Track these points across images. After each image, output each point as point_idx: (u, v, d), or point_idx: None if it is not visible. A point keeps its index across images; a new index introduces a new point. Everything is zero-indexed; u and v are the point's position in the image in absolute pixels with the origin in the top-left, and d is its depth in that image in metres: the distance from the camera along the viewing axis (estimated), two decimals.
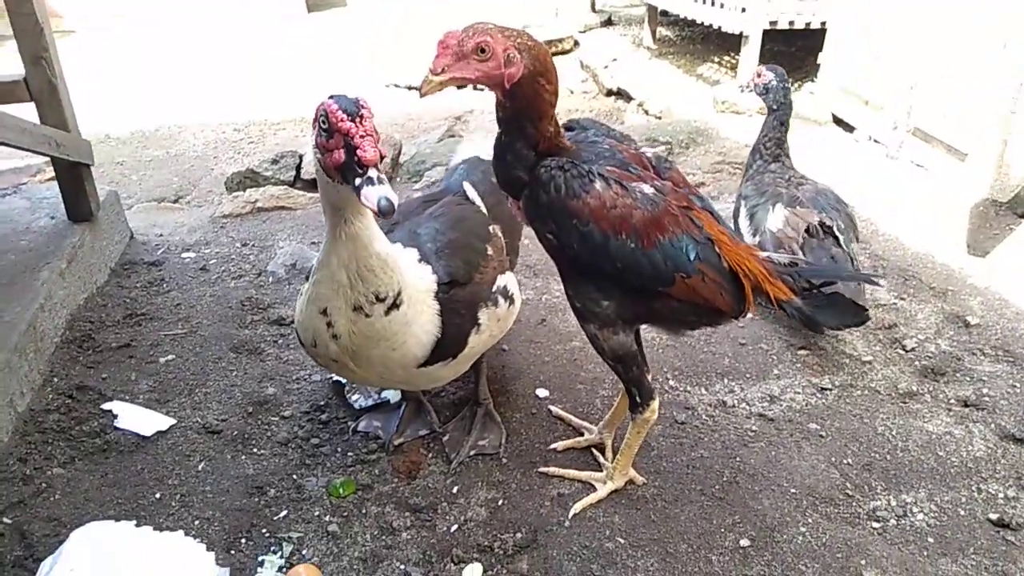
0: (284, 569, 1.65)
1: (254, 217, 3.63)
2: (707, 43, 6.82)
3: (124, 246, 3.22)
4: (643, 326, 1.78)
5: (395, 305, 1.58)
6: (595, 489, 1.84)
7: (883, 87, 3.98)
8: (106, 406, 2.15)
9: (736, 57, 5.41)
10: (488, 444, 2.01)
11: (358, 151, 1.30)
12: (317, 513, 1.82)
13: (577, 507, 1.79)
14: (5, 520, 1.75)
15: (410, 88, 7.06)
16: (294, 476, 1.93)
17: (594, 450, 1.98)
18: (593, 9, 8.41)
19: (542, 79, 1.43)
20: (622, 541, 1.69)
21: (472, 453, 1.98)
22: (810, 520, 1.76)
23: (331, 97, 1.37)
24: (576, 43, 7.70)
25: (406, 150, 4.25)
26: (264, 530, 1.77)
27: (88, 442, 2.02)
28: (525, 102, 1.44)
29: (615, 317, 1.60)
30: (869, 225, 3.29)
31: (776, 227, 2.59)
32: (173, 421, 2.11)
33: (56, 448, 2.00)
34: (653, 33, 6.71)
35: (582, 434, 2.04)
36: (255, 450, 2.03)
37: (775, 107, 2.80)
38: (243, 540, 1.73)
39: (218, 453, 2.00)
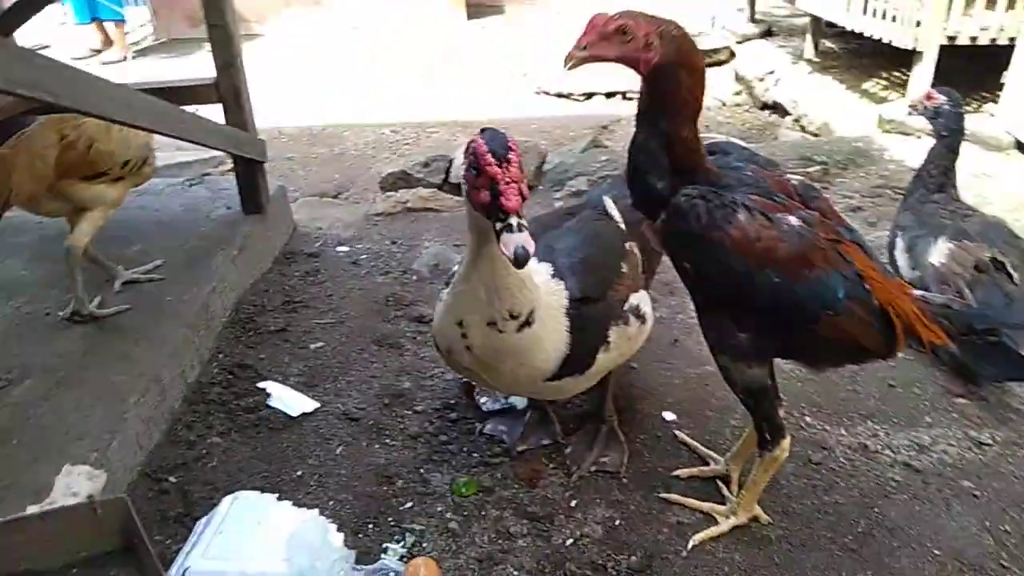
0: (405, 559, 1.74)
1: (404, 216, 3.82)
2: (875, 57, 6.41)
3: (288, 236, 3.48)
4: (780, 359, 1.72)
5: (528, 323, 1.61)
6: (717, 522, 1.79)
7: None
8: (261, 384, 2.35)
9: (907, 73, 5.04)
10: (610, 462, 2.01)
11: (501, 198, 1.33)
12: (440, 509, 1.89)
13: (697, 538, 1.75)
14: (171, 479, 1.96)
15: (560, 96, 7.14)
16: (421, 470, 2.02)
17: (719, 481, 1.93)
18: (752, 19, 8.12)
19: (682, 71, 1.41)
20: None
21: (593, 469, 1.99)
22: None
23: (483, 133, 1.41)
24: (732, 54, 7.47)
25: (550, 159, 4.30)
26: (390, 519, 1.86)
27: (243, 416, 2.22)
28: (661, 93, 1.43)
29: (751, 350, 1.55)
30: None
31: (939, 262, 2.41)
32: (317, 405, 2.27)
33: (216, 419, 2.20)
34: (816, 45, 6.38)
35: (707, 463, 1.99)
36: (388, 440, 2.14)
37: (945, 133, 2.59)
38: (370, 526, 1.84)
39: (355, 440, 2.13)
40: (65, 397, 1.94)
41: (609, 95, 7.05)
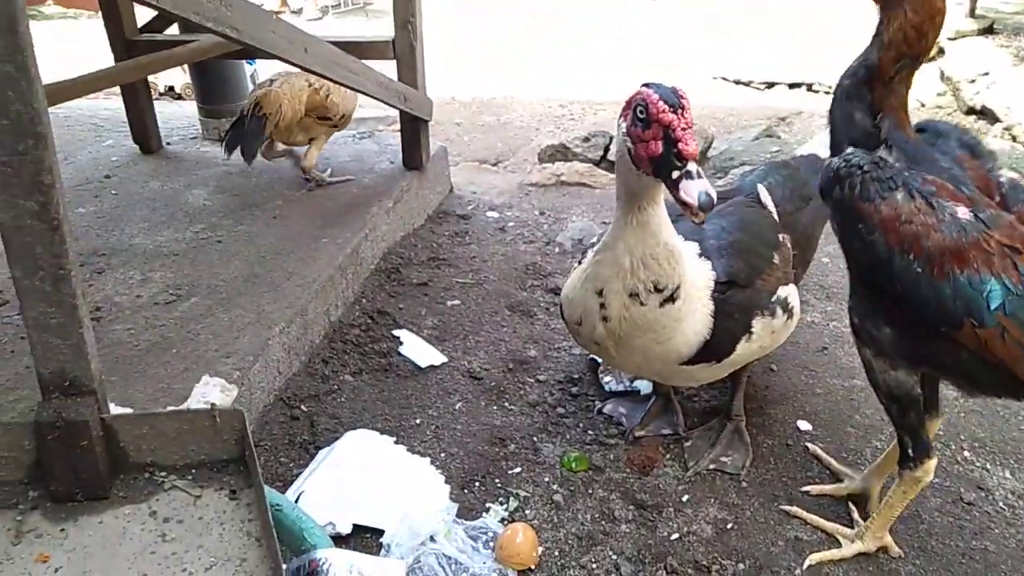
0: (506, 521, 1.74)
1: (557, 189, 3.80)
2: None
3: (443, 196, 3.58)
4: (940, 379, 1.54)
5: (671, 298, 1.54)
6: (840, 545, 1.64)
7: None
8: (396, 332, 2.44)
9: None
10: (731, 463, 1.90)
11: (679, 144, 1.28)
12: (547, 479, 1.88)
13: (814, 558, 1.62)
14: (303, 408, 2.08)
15: (738, 82, 6.81)
16: (534, 438, 2.01)
17: (851, 503, 1.77)
18: (971, 13, 7.29)
19: (912, 11, 1.31)
20: None
21: (711, 467, 1.89)
22: None
23: (648, 86, 1.36)
24: (941, 51, 6.76)
25: (717, 145, 4.12)
26: (497, 480, 1.87)
27: (375, 360, 2.31)
28: (887, 18, 1.34)
29: (893, 348, 1.42)
30: None
31: None
32: (445, 359, 2.32)
33: (351, 358, 2.31)
34: None
35: (841, 480, 1.83)
36: (506, 404, 2.15)
37: None
38: (477, 483, 1.86)
39: (475, 398, 2.16)
40: (221, 317, 2.10)
41: (792, 86, 6.64)
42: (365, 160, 3.37)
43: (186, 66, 4.59)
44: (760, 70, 6.74)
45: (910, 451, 1.49)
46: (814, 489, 1.82)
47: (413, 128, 3.18)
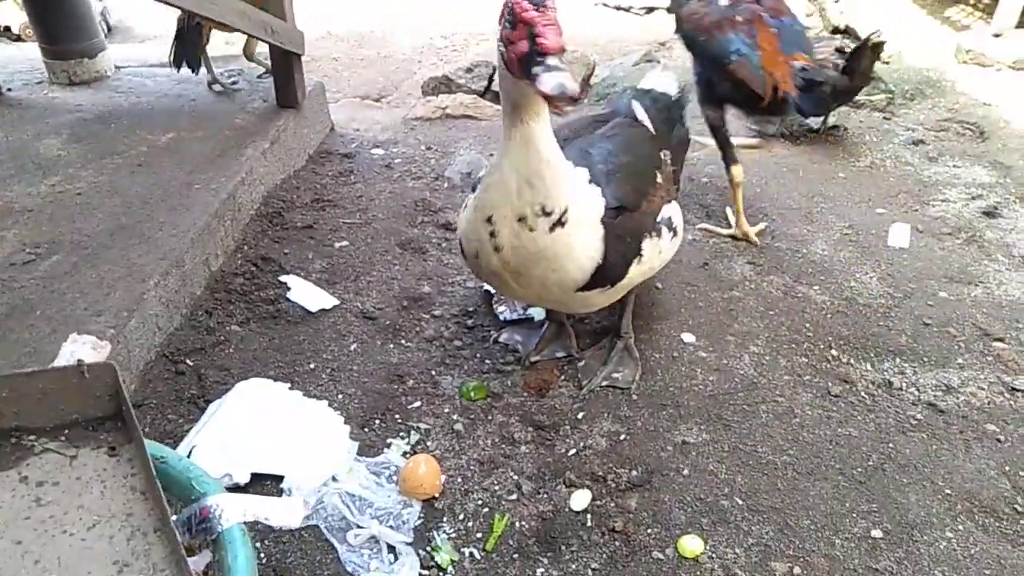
0: (407, 455, 1.76)
1: (442, 123, 3.74)
2: None
3: (324, 136, 3.44)
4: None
5: (560, 223, 1.54)
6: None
7: None
8: (283, 278, 2.36)
9: None
10: (622, 378, 1.98)
11: (539, 39, 1.27)
12: (447, 410, 1.90)
13: (702, 226, 2.66)
14: (188, 362, 2.00)
15: (619, 8, 6.82)
16: (432, 372, 2.03)
17: (729, 213, 2.72)
18: None
19: None
20: (740, 502, 1.61)
21: (604, 384, 1.97)
22: (961, 527, 1.58)
23: None
24: None
25: (599, 72, 4.14)
26: (397, 416, 1.88)
27: (263, 307, 2.24)
28: None
29: (706, 96, 2.51)
30: None
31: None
32: (337, 302, 2.27)
33: (237, 308, 2.23)
34: None
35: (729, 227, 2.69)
36: (403, 341, 2.14)
37: None
38: (377, 421, 1.86)
39: (370, 338, 2.14)
40: (88, 274, 1.97)
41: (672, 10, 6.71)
42: (235, 99, 3.19)
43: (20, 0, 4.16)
44: None
45: (726, 160, 2.56)
46: (701, 226, 2.68)
47: (285, 63, 3.02)
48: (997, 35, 3.84)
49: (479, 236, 1.61)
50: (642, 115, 1.97)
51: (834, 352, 2.11)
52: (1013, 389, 1.99)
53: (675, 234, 1.83)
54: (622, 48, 5.67)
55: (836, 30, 5.92)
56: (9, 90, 3.23)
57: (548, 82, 1.22)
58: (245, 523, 1.00)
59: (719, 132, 2.51)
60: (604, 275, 1.66)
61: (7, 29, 5.98)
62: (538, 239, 1.55)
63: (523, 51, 1.29)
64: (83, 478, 0.99)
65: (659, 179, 1.81)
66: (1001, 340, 2.16)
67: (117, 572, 0.88)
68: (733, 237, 2.63)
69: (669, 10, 2.50)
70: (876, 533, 1.55)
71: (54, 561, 0.89)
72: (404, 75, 5.31)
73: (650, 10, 6.80)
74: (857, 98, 3.60)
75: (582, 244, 1.60)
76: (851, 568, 1.48)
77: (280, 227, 2.65)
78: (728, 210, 2.72)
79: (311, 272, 2.42)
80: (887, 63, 4.71)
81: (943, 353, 2.11)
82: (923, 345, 2.14)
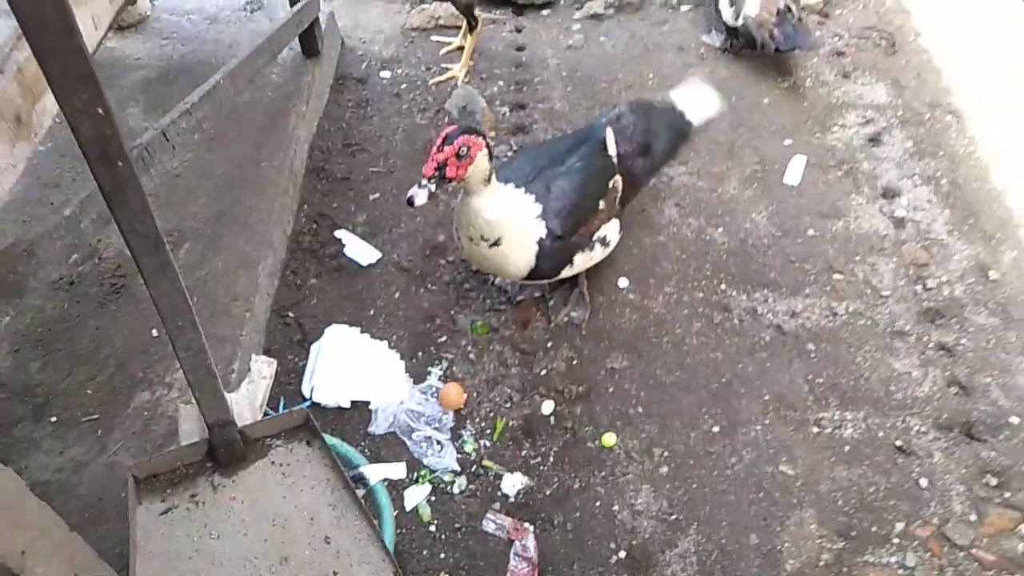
0: (442, 378, 2.83)
1: (436, 33, 4.30)
2: None
3: (338, 58, 4.07)
4: None
5: (496, 244, 2.45)
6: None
7: None
8: (337, 234, 3.27)
9: None
10: (576, 316, 2.99)
11: (425, 165, 2.18)
12: (463, 343, 2.94)
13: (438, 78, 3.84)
14: (290, 315, 3.00)
15: None
16: (451, 311, 3.04)
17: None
18: None
19: None
20: (640, 410, 2.73)
21: (564, 320, 2.99)
22: (767, 421, 2.71)
23: (453, 129, 2.19)
24: None
25: None
26: (432, 348, 2.92)
27: (329, 262, 3.18)
28: None
29: None
30: (969, 145, 3.58)
31: (754, 12, 3.72)
32: (379, 255, 3.20)
33: (311, 264, 3.17)
34: None
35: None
36: (429, 286, 3.12)
37: None
38: (420, 353, 2.91)
39: (407, 286, 3.11)
40: (215, 261, 2.89)
41: None
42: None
43: None
44: None
45: (470, 23, 3.68)
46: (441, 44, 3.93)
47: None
48: None
49: (456, 236, 2.57)
50: (611, 144, 2.74)
51: (723, 287, 3.11)
52: (834, 313, 3.02)
53: (606, 246, 2.74)
54: None
55: None
56: None
57: (410, 191, 2.14)
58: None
59: (471, 12, 3.65)
60: (538, 275, 2.60)
61: None
62: (482, 251, 2.49)
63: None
64: (300, 460, 2.07)
65: (601, 206, 2.67)
66: (840, 272, 3.14)
67: (331, 510, 1.99)
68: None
69: None
70: (715, 428, 2.68)
71: (299, 501, 1.99)
72: None
73: None
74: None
75: (516, 257, 2.51)
76: (697, 451, 2.63)
77: (325, 180, 3.48)
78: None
79: (356, 225, 3.32)
80: None
81: (797, 285, 3.11)
82: (785, 278, 3.13)
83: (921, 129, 3.68)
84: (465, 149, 2.18)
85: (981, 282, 3.09)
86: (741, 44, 3.92)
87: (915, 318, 2.99)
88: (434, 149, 2.17)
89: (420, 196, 2.16)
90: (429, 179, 2.18)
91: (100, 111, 1.09)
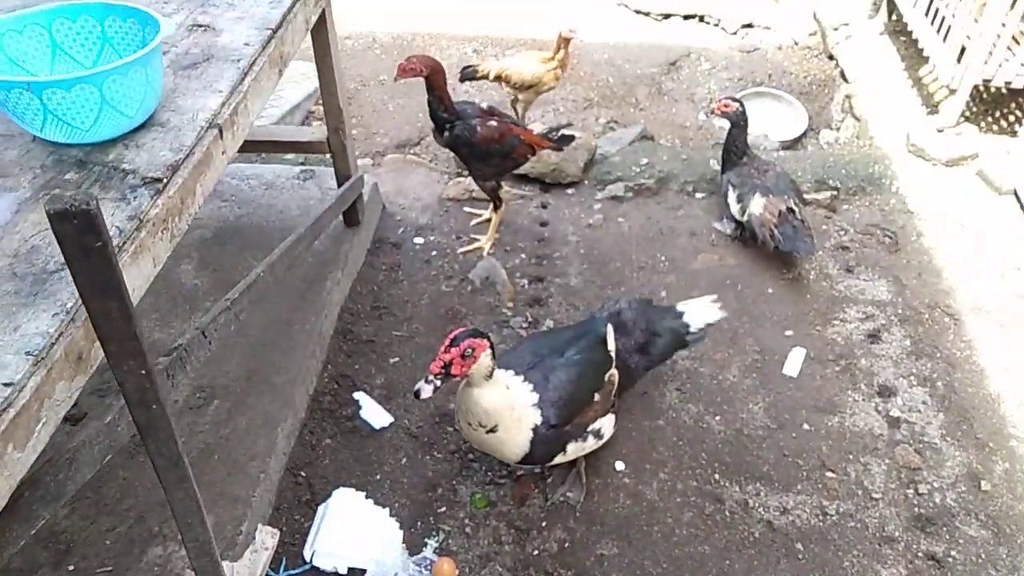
0: (437, 551, 2.95)
1: (469, 205, 4.69)
2: None
3: (376, 223, 4.45)
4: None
5: (492, 430, 2.64)
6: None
7: None
8: (355, 395, 3.50)
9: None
10: (572, 497, 3.12)
11: (433, 363, 2.41)
12: (461, 515, 3.07)
13: (462, 250, 4.20)
14: (303, 473, 3.19)
15: (638, 12, 7.34)
16: (454, 481, 3.19)
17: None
18: None
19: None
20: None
21: (560, 500, 3.11)
22: None
23: (461, 332, 2.42)
24: None
25: (600, 151, 4.96)
26: (431, 518, 3.06)
27: (345, 423, 3.40)
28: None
29: (491, 175, 3.97)
30: (966, 349, 3.72)
31: (758, 212, 4.03)
32: (392, 419, 3.41)
33: (328, 425, 3.39)
34: (890, 10, 6.29)
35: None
36: (435, 454, 3.29)
37: (740, 123, 4.17)
38: (419, 523, 3.04)
39: (414, 452, 3.30)
40: (240, 420, 3.13)
41: (687, 17, 7.23)
42: (311, 213, 4.18)
43: None
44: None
45: (495, 203, 4.09)
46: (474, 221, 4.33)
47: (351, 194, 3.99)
48: (940, 130, 4.58)
49: (456, 418, 2.75)
50: (610, 340, 2.96)
51: (717, 476, 3.22)
52: (825, 512, 3.09)
53: (600, 439, 2.91)
54: (636, 70, 6.33)
55: (832, 56, 6.48)
56: None
57: (417, 384, 2.35)
58: None
59: (495, 192, 4.10)
60: (531, 460, 2.77)
61: None
62: (480, 436, 2.67)
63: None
64: None
65: (597, 398, 2.86)
66: (833, 470, 3.24)
67: None
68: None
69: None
70: None
71: None
72: None
73: (667, 16, 7.27)
74: (806, 195, 4.46)
75: (511, 443, 2.68)
76: None
77: (351, 341, 3.76)
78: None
79: (374, 388, 3.55)
80: (857, 138, 5.41)
81: (790, 480, 3.20)
82: (778, 472, 3.23)
83: (920, 328, 3.84)
84: (471, 351, 2.42)
85: (972, 492, 3.14)
86: (749, 234, 4.19)
87: (905, 523, 3.04)
88: (442, 349, 2.41)
89: (426, 391, 2.38)
90: (435, 375, 2.41)
91: (143, 372, 1.34)
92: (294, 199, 4.29)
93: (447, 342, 2.42)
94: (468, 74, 5.00)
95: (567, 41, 4.59)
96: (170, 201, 1.81)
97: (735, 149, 4.24)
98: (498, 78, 4.84)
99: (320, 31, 3.28)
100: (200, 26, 2.43)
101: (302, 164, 4.68)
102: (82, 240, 1.10)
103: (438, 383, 2.41)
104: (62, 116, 1.79)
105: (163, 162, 1.86)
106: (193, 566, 1.90)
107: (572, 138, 4.14)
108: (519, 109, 5.05)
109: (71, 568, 2.65)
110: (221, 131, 2.03)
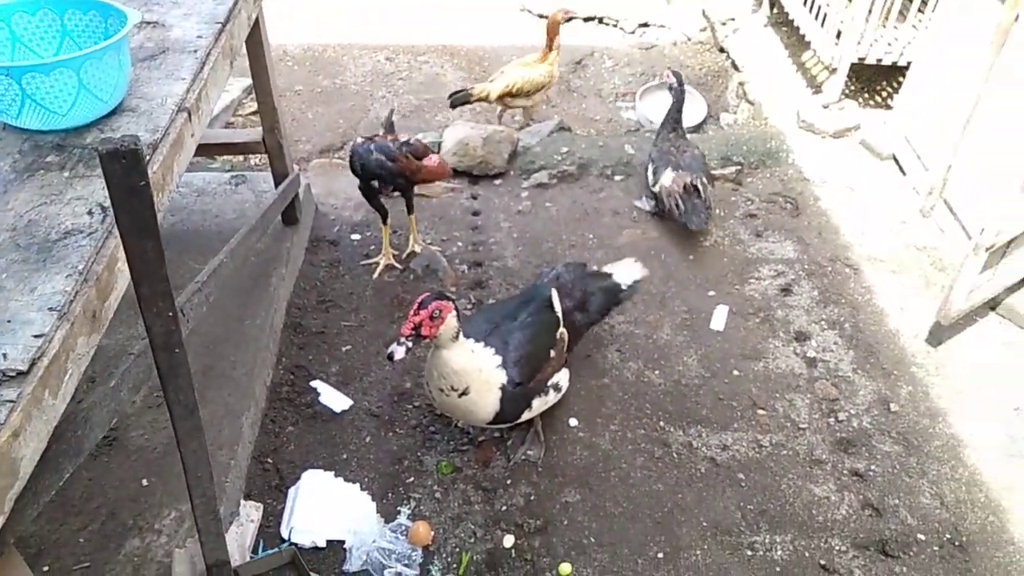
0: (411, 517, 3.08)
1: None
2: None
3: (311, 222, 4.53)
4: None
5: (464, 393, 2.82)
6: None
7: (933, 149, 4.54)
8: (312, 384, 3.58)
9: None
10: (533, 455, 3.31)
11: (403, 326, 2.57)
12: (429, 483, 3.21)
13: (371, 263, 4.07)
14: (269, 460, 3.25)
15: (541, 16, 7.67)
16: (418, 453, 3.33)
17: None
18: None
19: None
20: (592, 540, 3.01)
21: (522, 458, 3.30)
22: (706, 545, 3.02)
23: (428, 296, 2.58)
24: None
25: (521, 144, 5.21)
26: (400, 489, 3.19)
27: (305, 410, 3.48)
28: None
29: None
30: (866, 294, 4.16)
31: (667, 184, 4.34)
32: (351, 402, 3.51)
33: (288, 413, 3.46)
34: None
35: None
36: (397, 430, 3.42)
37: (678, 94, 4.54)
38: (390, 494, 3.16)
39: (377, 431, 3.41)
40: (205, 412, 3.15)
41: (587, 19, 7.62)
42: (248, 216, 4.24)
43: None
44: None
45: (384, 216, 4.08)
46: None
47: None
48: (825, 107, 5.06)
49: (427, 389, 2.90)
50: (556, 302, 3.18)
51: (662, 423, 3.49)
52: (760, 445, 3.41)
53: (559, 391, 3.13)
54: None
55: (722, 49, 7.01)
56: None
57: (390, 347, 2.51)
58: None
59: (380, 210, 4.10)
60: (501, 419, 2.95)
61: None
62: (453, 400, 2.84)
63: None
64: None
65: (552, 355, 3.08)
66: (763, 408, 3.57)
67: None
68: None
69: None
70: (660, 555, 2.97)
71: None
72: (360, 112, 6.24)
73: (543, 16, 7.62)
74: (714, 172, 4.84)
75: (483, 404, 2.86)
76: None
77: (301, 334, 3.84)
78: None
79: (330, 375, 3.64)
80: (753, 119, 5.89)
81: (726, 420, 3.51)
82: (715, 414, 3.53)
83: (825, 280, 4.26)
84: (438, 312, 2.58)
85: (884, 414, 3.54)
86: (659, 205, 4.53)
87: (829, 447, 3.39)
88: (411, 312, 2.56)
89: (399, 352, 2.53)
90: (407, 337, 2.56)
91: (171, 314, 1.45)
92: (228, 203, 4.33)
93: (415, 306, 2.58)
94: (460, 99, 5.09)
95: (560, 23, 5.01)
96: (154, 177, 1.90)
97: (673, 114, 4.57)
98: (506, 95, 4.97)
99: (254, 33, 3.38)
100: (149, 23, 2.51)
101: (230, 171, 4.71)
102: (128, 179, 1.21)
103: (410, 344, 2.56)
104: (40, 101, 1.86)
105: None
106: (198, 525, 1.98)
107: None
108: (522, 117, 5.23)
109: (45, 569, 2.64)
110: (190, 114, 2.13)
